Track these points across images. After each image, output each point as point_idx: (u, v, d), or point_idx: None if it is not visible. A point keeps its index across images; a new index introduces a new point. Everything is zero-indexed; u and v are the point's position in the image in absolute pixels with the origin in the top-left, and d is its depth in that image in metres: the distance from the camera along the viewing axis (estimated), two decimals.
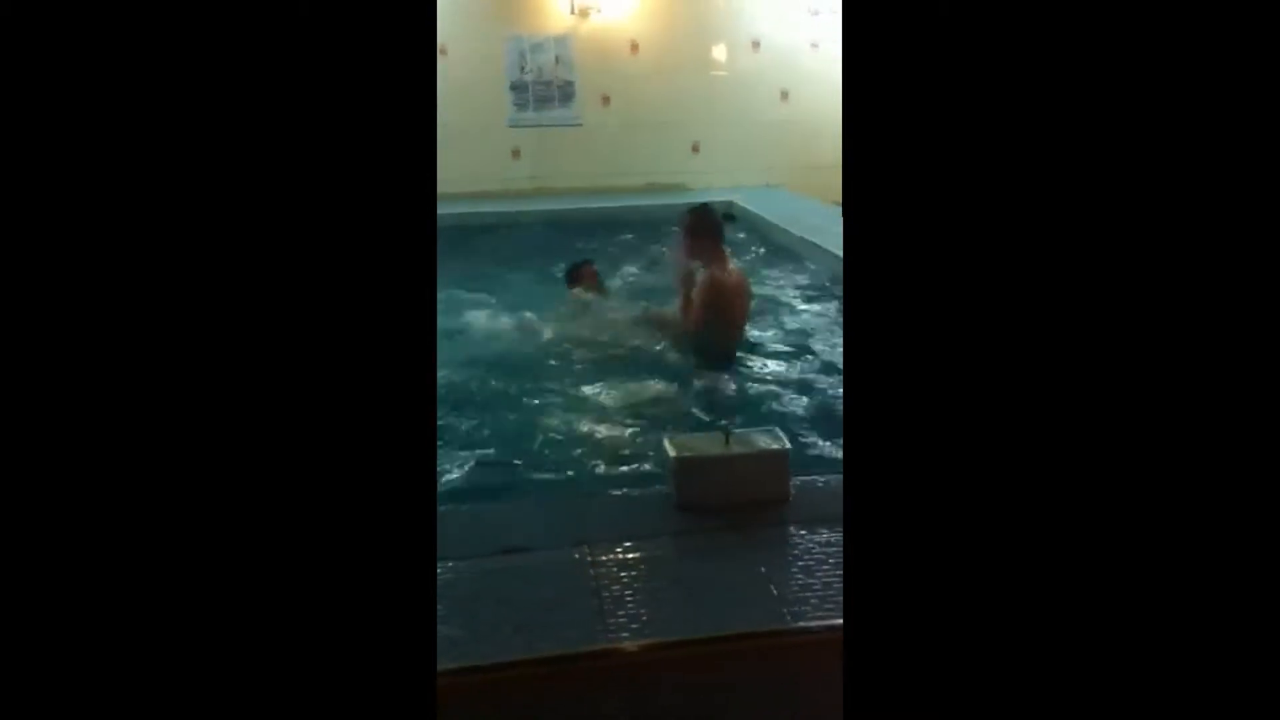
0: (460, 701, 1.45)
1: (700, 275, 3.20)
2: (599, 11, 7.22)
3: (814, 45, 7.45)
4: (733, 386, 3.07)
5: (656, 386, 2.99)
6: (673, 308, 3.41)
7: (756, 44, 7.51)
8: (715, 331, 3.20)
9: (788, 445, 1.99)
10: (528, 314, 3.66)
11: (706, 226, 3.26)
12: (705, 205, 3.43)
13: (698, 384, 3.04)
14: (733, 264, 3.41)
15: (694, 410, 2.84)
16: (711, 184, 7.32)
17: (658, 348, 3.33)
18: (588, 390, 2.98)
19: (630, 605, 1.64)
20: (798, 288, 4.52)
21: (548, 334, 3.52)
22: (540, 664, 1.48)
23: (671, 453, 1.97)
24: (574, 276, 4.11)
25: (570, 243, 5.54)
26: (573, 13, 7.22)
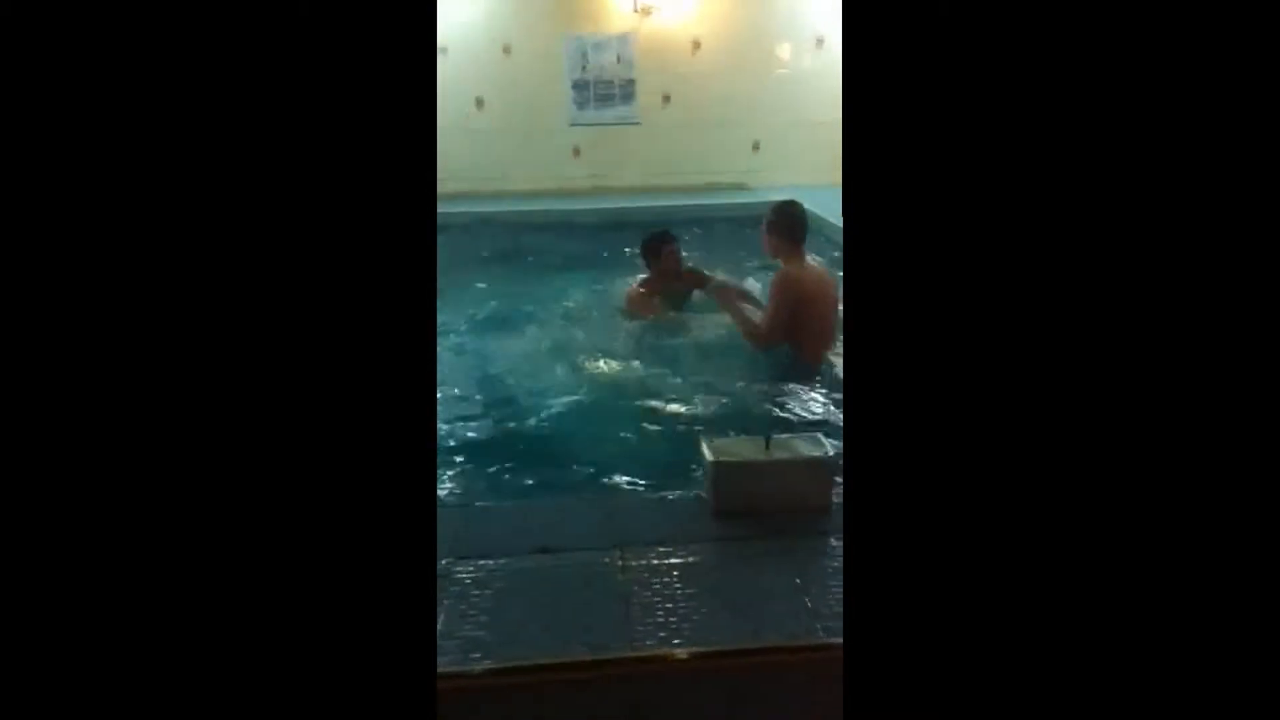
0: (480, 701, 1.44)
1: (776, 275, 3.01)
2: (660, 10, 7.21)
3: None
4: (816, 398, 2.81)
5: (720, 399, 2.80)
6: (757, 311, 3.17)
7: (820, 41, 7.39)
8: (793, 336, 2.97)
9: (831, 452, 1.93)
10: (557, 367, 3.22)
11: (786, 222, 3.06)
12: (790, 200, 3.18)
13: (772, 394, 2.81)
14: (815, 261, 3.19)
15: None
16: (773, 183, 7.24)
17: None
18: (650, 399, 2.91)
19: (659, 612, 1.61)
20: None
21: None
22: (564, 668, 1.45)
23: (709, 457, 1.93)
24: (651, 250, 3.57)
25: (627, 242, 5.53)
26: (635, 11, 7.21)
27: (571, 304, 4.03)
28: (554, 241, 5.71)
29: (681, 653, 1.49)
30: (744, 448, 1.96)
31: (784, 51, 7.43)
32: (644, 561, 1.77)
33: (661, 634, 1.54)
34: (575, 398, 2.93)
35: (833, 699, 1.47)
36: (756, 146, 7.54)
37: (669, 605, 1.62)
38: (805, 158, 7.39)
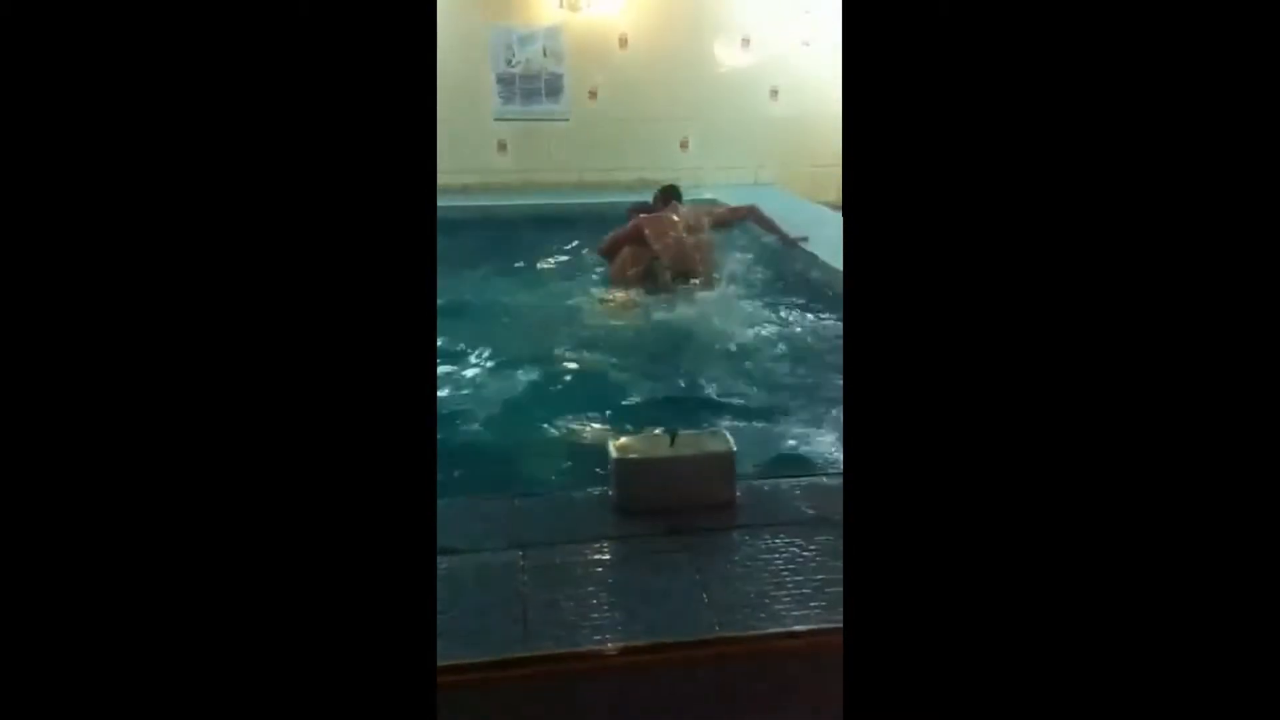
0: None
1: None
2: (589, 5, 7.16)
3: (805, 43, 7.39)
4: None
5: None
6: None
7: (747, 41, 7.45)
8: None
9: (734, 448, 1.94)
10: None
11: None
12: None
13: None
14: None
15: None
16: (701, 180, 7.27)
17: None
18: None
19: (561, 610, 1.59)
20: (783, 289, 4.47)
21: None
22: (459, 670, 1.43)
23: (613, 454, 1.92)
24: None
25: (558, 238, 5.50)
26: (562, 5, 7.15)
27: (503, 300, 4.00)
28: (478, 237, 5.63)
29: (575, 651, 1.48)
30: (648, 444, 1.95)
31: (711, 50, 7.47)
32: (544, 561, 1.75)
33: (559, 633, 1.53)
34: (493, 396, 2.89)
35: (725, 692, 1.48)
36: (685, 144, 7.57)
37: (568, 604, 1.61)
38: (734, 156, 7.45)
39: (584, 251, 5.12)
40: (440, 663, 1.47)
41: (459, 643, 1.50)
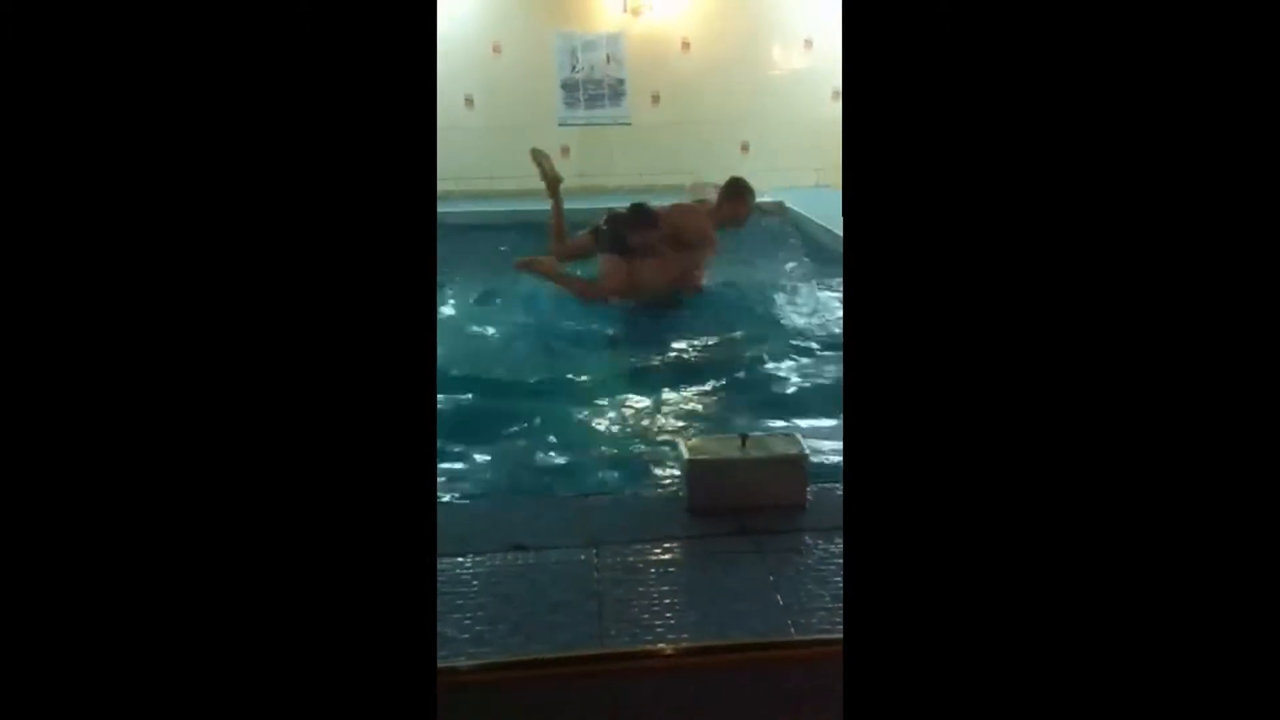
0: (449, 700, 1.43)
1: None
2: (651, 10, 7.20)
3: None
4: None
5: None
6: None
7: (809, 43, 7.40)
8: None
9: (805, 451, 1.93)
10: None
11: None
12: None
13: None
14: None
15: None
16: (761, 185, 7.24)
17: None
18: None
19: (633, 609, 1.61)
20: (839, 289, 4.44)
21: None
22: (533, 665, 1.46)
23: (685, 455, 1.93)
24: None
25: None
26: (625, 10, 7.20)
27: (553, 302, 4.04)
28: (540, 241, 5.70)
29: (653, 650, 1.50)
30: (720, 446, 1.96)
31: (773, 53, 7.43)
32: (618, 559, 1.77)
33: (634, 630, 1.55)
34: (557, 392, 2.94)
35: (803, 693, 1.48)
36: (746, 147, 7.55)
37: (642, 603, 1.63)
38: (794, 159, 7.40)
39: None
40: (515, 658, 1.51)
41: (537, 640, 1.53)
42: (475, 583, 1.71)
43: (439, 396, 2.85)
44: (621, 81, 7.35)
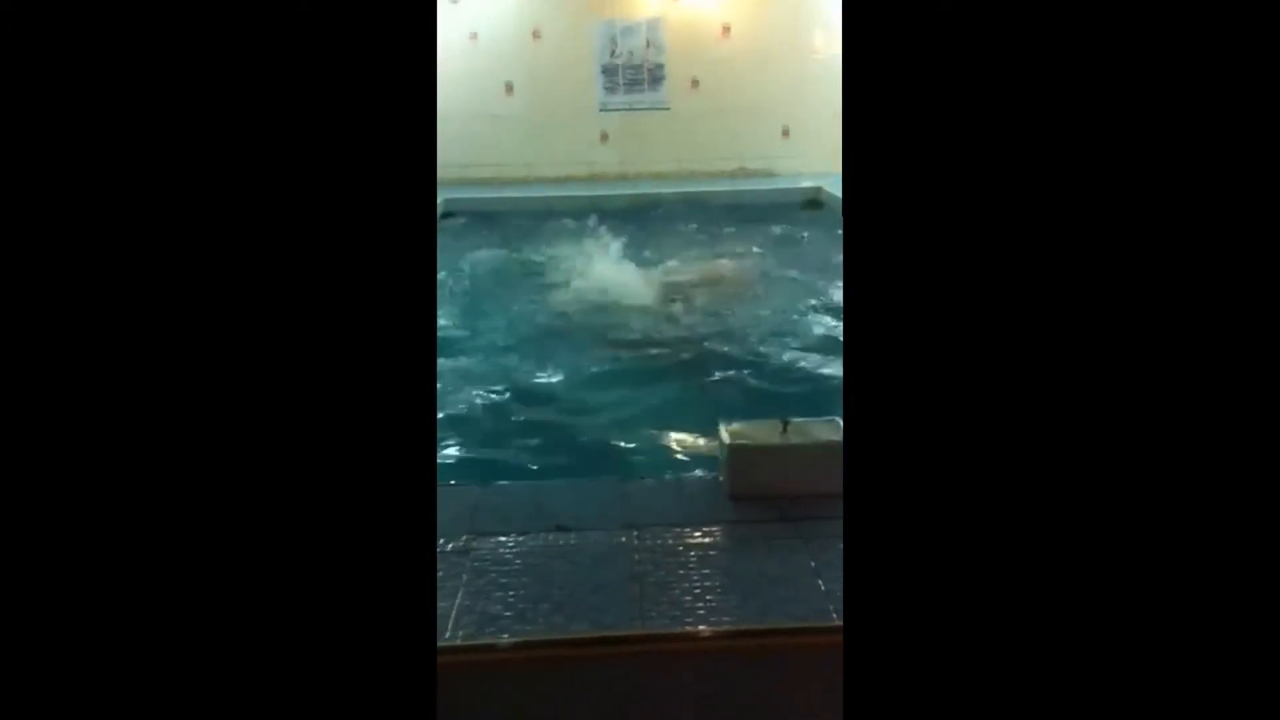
0: (478, 678, 1.46)
1: None
2: None
3: None
4: None
5: None
6: None
7: None
8: None
9: None
10: None
11: None
12: None
13: None
14: None
15: None
16: (801, 169, 7.19)
17: None
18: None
19: (674, 591, 1.62)
20: None
21: None
22: (571, 644, 1.48)
23: (726, 440, 1.94)
24: None
25: (662, 225, 5.55)
26: None
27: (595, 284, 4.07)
28: (579, 225, 5.73)
29: (693, 633, 1.51)
30: (760, 432, 1.96)
31: (813, 38, 7.35)
32: (658, 542, 1.78)
33: (674, 613, 1.56)
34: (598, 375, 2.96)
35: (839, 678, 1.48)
36: (786, 133, 7.48)
37: (682, 585, 1.64)
38: (835, 145, 7.32)
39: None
40: (562, 636, 1.53)
41: (579, 619, 1.55)
42: (518, 562, 1.73)
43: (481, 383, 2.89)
44: (661, 66, 7.33)
